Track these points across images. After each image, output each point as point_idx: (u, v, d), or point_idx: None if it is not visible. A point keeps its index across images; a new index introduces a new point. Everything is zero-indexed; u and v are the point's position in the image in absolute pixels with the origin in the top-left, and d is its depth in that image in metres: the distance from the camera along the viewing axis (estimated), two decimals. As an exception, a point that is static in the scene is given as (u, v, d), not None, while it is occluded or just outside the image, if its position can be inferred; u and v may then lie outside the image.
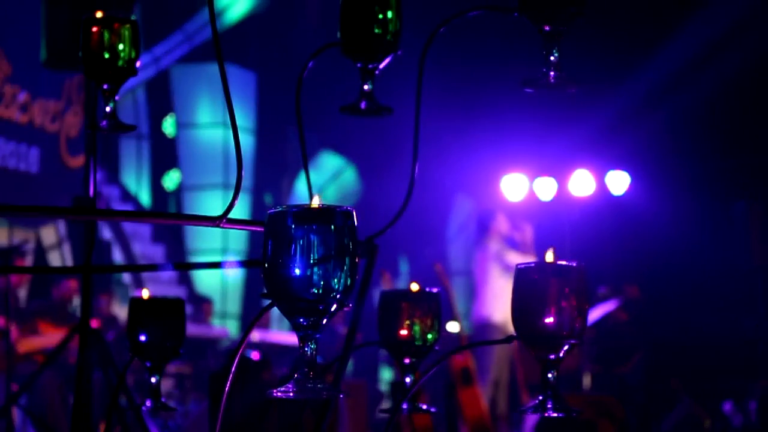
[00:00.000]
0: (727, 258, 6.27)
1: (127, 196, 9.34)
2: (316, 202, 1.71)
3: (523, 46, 2.90)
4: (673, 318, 6.71)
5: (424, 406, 2.12)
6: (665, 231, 7.13)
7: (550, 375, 1.77)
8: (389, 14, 2.26)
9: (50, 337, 5.43)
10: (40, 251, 7.27)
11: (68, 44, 3.49)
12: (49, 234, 7.40)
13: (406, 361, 2.07)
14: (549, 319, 1.77)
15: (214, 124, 9.90)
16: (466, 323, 6.92)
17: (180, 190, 10.02)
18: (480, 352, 5.95)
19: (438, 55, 2.52)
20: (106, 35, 2.28)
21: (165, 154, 10.15)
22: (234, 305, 9.61)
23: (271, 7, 9.70)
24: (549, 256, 1.76)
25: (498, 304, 5.98)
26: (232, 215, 2.00)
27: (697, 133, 7.24)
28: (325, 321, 1.65)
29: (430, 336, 2.06)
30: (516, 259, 5.65)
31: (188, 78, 10.07)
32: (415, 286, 2.08)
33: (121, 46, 2.30)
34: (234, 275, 9.49)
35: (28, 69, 7.28)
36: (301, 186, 9.49)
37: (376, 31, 2.24)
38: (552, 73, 1.92)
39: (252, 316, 3.54)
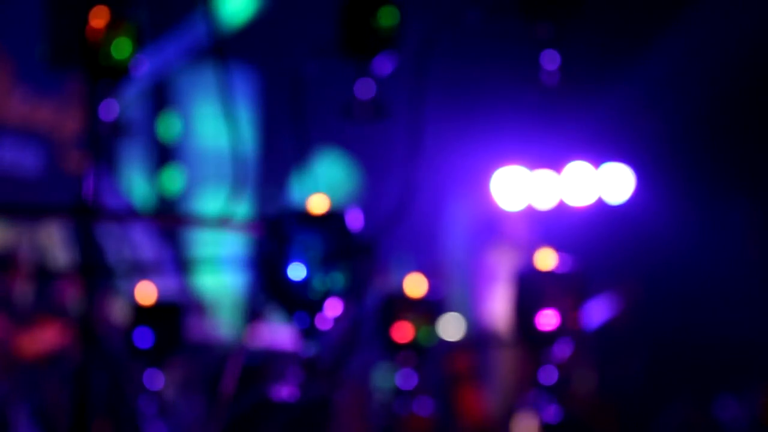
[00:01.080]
0: (729, 257, 6.26)
1: (127, 197, 9.33)
2: (317, 203, 1.71)
3: (521, 45, 2.90)
4: (673, 318, 6.70)
5: (424, 407, 2.12)
6: (665, 230, 7.11)
7: (549, 375, 1.77)
8: (389, 15, 2.26)
9: (50, 337, 5.43)
10: (40, 252, 7.26)
11: (69, 44, 3.49)
12: (48, 235, 7.39)
13: (405, 361, 2.07)
14: (548, 320, 1.77)
15: (215, 124, 9.89)
16: (465, 324, 6.91)
17: (180, 190, 10.00)
18: (488, 354, 5.95)
19: (436, 53, 2.51)
20: (108, 35, 2.29)
21: (165, 154, 10.13)
22: (234, 307, 9.59)
23: (274, 6, 9.69)
24: (548, 258, 1.77)
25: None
26: (232, 216, 2.00)
27: (697, 130, 7.22)
28: (324, 322, 1.65)
29: (429, 337, 2.06)
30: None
31: (189, 78, 10.06)
32: (414, 288, 2.07)
33: (122, 46, 2.30)
34: (234, 276, 9.46)
35: (28, 68, 7.26)
36: (301, 187, 9.47)
37: (375, 31, 2.24)
38: (551, 72, 1.92)
39: (252, 317, 3.54)
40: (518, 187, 7.69)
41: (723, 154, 7.31)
